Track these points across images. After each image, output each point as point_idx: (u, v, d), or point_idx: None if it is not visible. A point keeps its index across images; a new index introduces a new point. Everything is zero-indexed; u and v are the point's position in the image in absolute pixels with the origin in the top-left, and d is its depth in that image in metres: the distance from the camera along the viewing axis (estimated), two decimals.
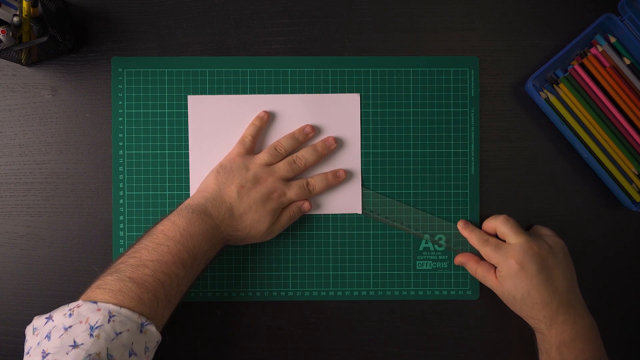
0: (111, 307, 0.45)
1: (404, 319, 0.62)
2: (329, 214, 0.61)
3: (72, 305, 0.46)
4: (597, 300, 0.62)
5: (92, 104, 0.61)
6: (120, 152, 0.61)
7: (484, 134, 0.62)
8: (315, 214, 0.61)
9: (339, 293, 0.62)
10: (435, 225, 0.62)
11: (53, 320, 0.45)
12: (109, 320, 0.44)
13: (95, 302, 0.45)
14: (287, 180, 0.58)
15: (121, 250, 0.61)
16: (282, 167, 0.58)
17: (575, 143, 0.60)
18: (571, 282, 0.55)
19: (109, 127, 0.61)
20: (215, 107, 0.61)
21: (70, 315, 0.45)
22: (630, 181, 0.61)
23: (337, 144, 0.61)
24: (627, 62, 0.61)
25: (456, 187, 0.62)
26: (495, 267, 0.57)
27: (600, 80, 0.61)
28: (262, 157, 0.58)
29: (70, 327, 0.44)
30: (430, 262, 0.62)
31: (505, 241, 0.57)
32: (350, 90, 0.62)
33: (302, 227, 0.61)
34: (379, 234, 0.62)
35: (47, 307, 0.60)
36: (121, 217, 0.61)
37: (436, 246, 0.62)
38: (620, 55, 0.61)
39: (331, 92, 0.62)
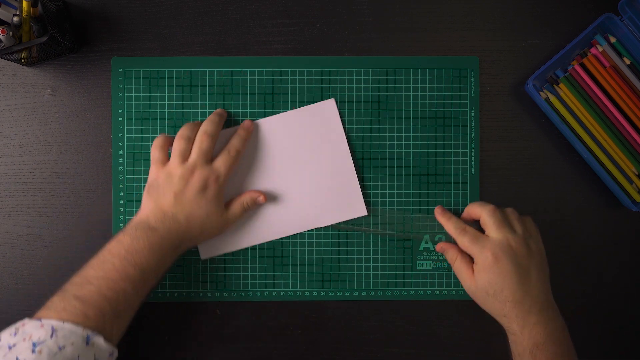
0: (54, 322, 0.45)
1: (404, 319, 0.62)
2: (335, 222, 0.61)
3: (18, 324, 0.46)
4: (597, 300, 0.62)
5: (92, 104, 0.61)
6: (120, 152, 0.61)
7: (484, 134, 0.62)
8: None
9: (339, 293, 0.62)
10: (435, 225, 0.62)
11: (0, 340, 0.45)
12: (51, 336, 0.44)
13: (39, 319, 0.46)
14: (210, 161, 0.57)
15: None
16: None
17: (575, 143, 0.60)
18: (545, 285, 0.55)
19: (109, 127, 0.61)
20: None
21: (15, 334, 0.45)
22: (630, 181, 0.61)
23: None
24: (627, 62, 0.61)
25: (456, 187, 0.62)
26: (474, 262, 0.56)
27: (600, 80, 0.61)
28: (175, 156, 0.56)
29: (14, 345, 0.44)
30: (430, 262, 0.62)
31: (484, 231, 0.56)
32: (350, 90, 0.62)
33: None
34: (379, 234, 0.62)
35: None
36: (121, 217, 0.61)
37: None
38: (620, 55, 0.61)
39: (330, 92, 0.62)
